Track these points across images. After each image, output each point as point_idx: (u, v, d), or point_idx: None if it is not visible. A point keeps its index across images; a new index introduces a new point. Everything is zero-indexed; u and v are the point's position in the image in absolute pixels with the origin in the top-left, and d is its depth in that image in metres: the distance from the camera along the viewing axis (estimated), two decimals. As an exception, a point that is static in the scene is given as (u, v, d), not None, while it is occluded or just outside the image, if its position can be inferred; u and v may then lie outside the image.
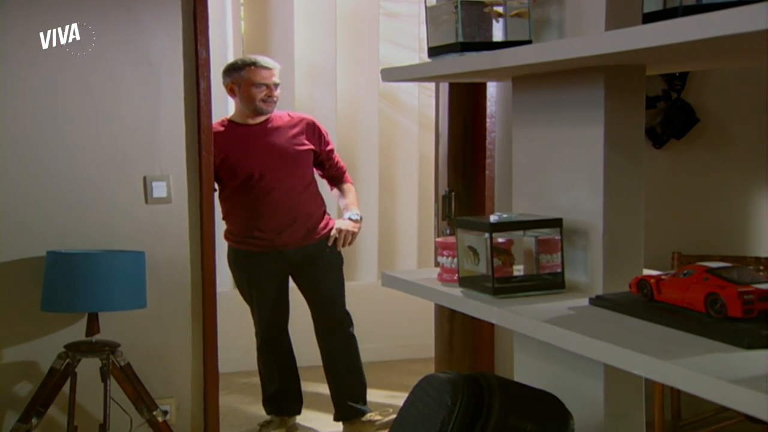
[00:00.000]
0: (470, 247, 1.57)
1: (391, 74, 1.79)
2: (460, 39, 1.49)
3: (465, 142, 3.86)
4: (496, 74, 1.74)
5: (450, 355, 4.04)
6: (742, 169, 3.93)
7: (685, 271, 1.32)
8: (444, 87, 3.87)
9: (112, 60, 3.28)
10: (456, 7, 1.47)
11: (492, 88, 3.69)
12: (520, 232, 1.60)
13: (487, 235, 1.52)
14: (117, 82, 3.30)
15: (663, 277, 1.37)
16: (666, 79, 3.73)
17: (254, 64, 3.64)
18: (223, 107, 4.68)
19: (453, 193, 3.82)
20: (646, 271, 1.56)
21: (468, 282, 1.61)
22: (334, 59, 4.80)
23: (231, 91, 3.69)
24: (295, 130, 3.71)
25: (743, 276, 1.25)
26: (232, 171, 3.63)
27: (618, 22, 1.37)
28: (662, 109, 3.77)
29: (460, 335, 3.96)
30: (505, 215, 1.60)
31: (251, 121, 3.69)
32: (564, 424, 1.41)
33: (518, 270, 1.65)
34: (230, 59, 4.71)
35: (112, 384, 3.08)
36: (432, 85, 4.45)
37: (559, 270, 1.57)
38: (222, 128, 3.67)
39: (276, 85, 3.67)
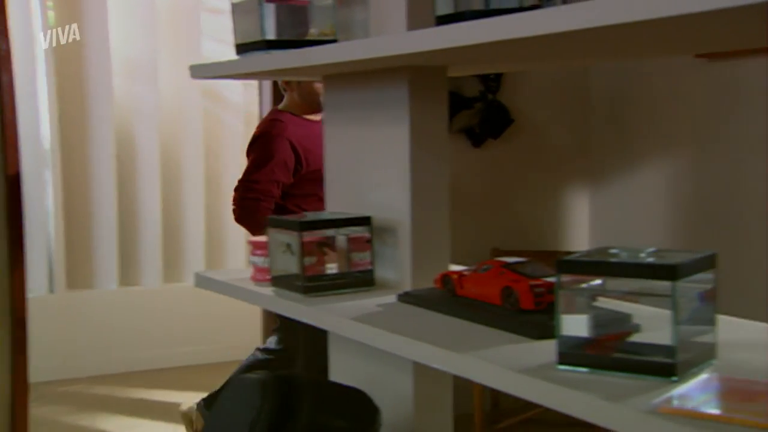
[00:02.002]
0: (287, 245, 1.57)
1: (200, 71, 1.76)
2: (265, 36, 1.48)
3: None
4: (307, 72, 1.74)
5: (277, 355, 4.01)
6: (555, 168, 4.13)
7: (484, 266, 1.37)
8: (267, 84, 3.84)
9: None
10: (260, 3, 1.46)
11: (315, 87, 3.69)
12: (333, 231, 1.61)
13: (297, 234, 1.53)
14: None
15: (465, 272, 1.41)
16: (482, 80, 3.87)
17: None
18: (33, 100, 4.44)
19: (278, 192, 3.80)
20: (453, 267, 1.61)
21: (281, 281, 1.61)
22: (154, 54, 4.66)
23: (287, 83, 3.28)
24: None
25: (536, 270, 1.31)
26: (311, 167, 3.17)
27: (419, 23, 1.40)
28: (479, 109, 3.91)
29: (287, 334, 3.93)
30: (318, 214, 1.61)
31: (311, 117, 3.25)
32: (372, 419, 1.43)
33: (333, 268, 1.66)
34: (38, 51, 4.47)
35: None
36: (256, 83, 4.41)
37: (369, 267, 1.59)
38: (291, 120, 3.22)
39: None
